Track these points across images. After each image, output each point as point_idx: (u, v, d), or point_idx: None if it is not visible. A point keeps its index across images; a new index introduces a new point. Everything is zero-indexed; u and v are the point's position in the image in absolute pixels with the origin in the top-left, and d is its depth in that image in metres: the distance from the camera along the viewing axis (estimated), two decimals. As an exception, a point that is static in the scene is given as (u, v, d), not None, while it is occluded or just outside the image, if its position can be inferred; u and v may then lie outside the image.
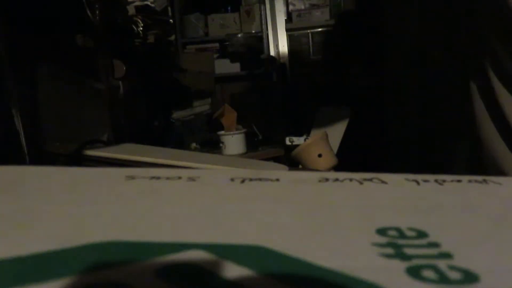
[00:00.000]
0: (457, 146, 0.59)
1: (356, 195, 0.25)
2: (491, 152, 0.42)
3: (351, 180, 0.28)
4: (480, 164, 0.45)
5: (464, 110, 0.46)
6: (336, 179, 0.28)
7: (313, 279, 0.14)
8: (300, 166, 0.76)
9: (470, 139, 0.48)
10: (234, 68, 2.19)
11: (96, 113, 0.88)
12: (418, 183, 0.27)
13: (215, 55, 2.18)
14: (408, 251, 0.16)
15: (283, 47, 2.11)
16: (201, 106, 1.72)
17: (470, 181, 0.27)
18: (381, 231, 0.18)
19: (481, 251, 0.17)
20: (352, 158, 0.87)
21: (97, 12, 0.85)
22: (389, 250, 0.16)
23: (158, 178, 0.29)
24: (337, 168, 0.76)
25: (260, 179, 0.28)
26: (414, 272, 0.14)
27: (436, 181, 0.27)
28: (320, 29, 2.09)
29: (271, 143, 1.37)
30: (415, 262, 0.15)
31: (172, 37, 2.11)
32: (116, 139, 0.79)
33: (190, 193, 0.26)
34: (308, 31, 2.09)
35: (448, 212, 0.22)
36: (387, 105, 1.43)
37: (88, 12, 0.83)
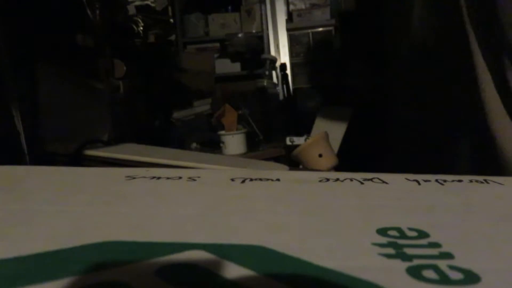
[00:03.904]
0: (459, 145, 0.59)
1: (357, 195, 0.25)
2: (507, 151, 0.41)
3: (351, 180, 0.28)
4: (483, 164, 0.44)
5: (468, 108, 0.45)
6: (337, 179, 0.28)
7: (313, 279, 0.14)
8: (301, 166, 0.76)
9: (475, 138, 0.47)
10: (234, 68, 2.19)
11: (96, 113, 0.88)
12: (419, 183, 0.27)
13: (216, 55, 2.18)
14: (409, 251, 0.16)
15: (284, 47, 2.11)
16: (201, 106, 1.72)
17: (471, 181, 0.27)
18: (382, 231, 0.18)
19: (482, 251, 0.17)
20: (353, 158, 0.87)
21: (97, 12, 0.85)
22: (390, 250, 0.16)
23: (159, 178, 0.29)
24: (337, 168, 0.75)
25: (260, 179, 0.28)
26: (415, 272, 0.14)
27: (437, 181, 0.27)
28: (320, 29, 2.09)
29: (272, 143, 1.36)
30: (416, 262, 0.15)
31: (173, 37, 2.11)
32: (116, 139, 0.79)
33: (190, 193, 0.26)
34: (309, 31, 2.09)
35: (449, 212, 0.22)
36: (388, 104, 1.43)
37: (88, 12, 0.83)
